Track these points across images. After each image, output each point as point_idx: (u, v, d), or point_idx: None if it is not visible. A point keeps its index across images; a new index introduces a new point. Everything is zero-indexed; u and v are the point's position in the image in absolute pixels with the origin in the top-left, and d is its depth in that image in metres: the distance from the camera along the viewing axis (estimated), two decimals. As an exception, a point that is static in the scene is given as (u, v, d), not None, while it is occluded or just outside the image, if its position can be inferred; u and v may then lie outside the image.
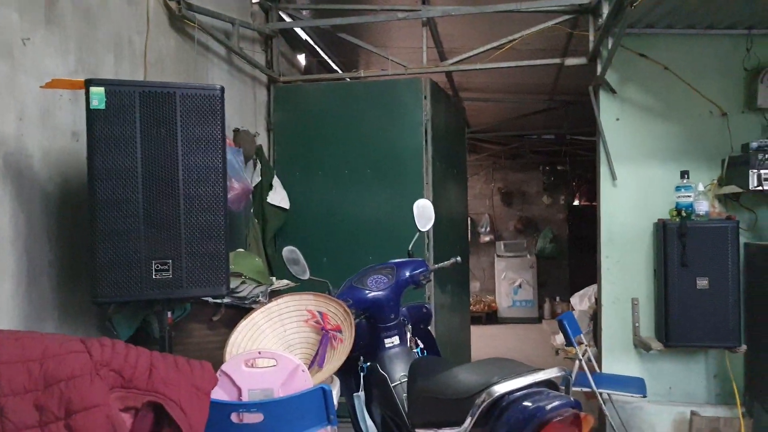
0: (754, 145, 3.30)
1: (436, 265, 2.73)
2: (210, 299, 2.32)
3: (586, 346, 3.77)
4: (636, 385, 3.40)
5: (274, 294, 2.58)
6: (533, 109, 6.51)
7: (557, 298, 8.37)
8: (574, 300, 6.38)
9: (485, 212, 9.20)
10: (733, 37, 3.75)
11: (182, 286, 2.04)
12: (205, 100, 2.14)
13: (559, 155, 8.72)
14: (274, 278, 2.85)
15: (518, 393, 1.64)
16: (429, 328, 2.75)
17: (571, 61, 3.96)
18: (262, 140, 3.98)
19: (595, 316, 4.60)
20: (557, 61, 3.98)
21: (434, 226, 3.73)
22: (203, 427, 1.53)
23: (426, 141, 3.86)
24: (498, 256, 8.68)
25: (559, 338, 5.57)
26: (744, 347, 3.55)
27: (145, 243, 2.02)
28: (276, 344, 2.27)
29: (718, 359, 3.79)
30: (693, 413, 3.67)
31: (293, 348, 2.31)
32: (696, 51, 3.80)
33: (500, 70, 4.32)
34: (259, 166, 3.69)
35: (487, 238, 9.06)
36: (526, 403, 1.60)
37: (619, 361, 3.92)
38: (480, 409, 1.64)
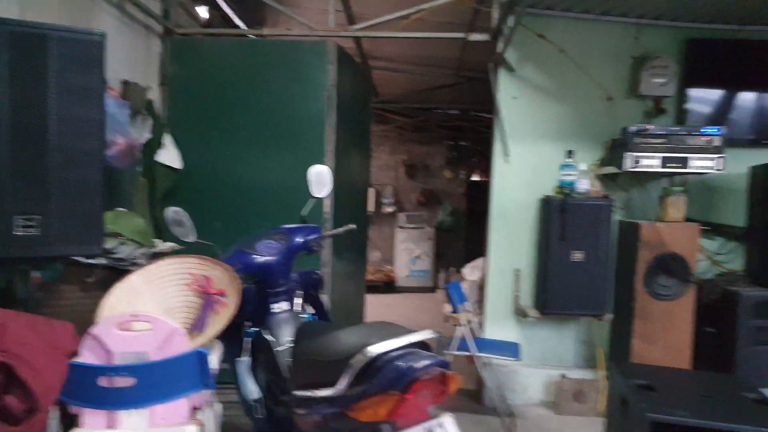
0: (632, 129, 3.56)
1: (330, 232, 2.74)
2: (83, 259, 2.20)
3: (471, 313, 3.97)
4: (511, 350, 3.64)
5: (158, 257, 2.49)
6: (440, 83, 6.61)
7: (452, 269, 8.69)
8: (466, 270, 6.64)
9: (390, 184, 9.32)
10: (623, 24, 3.99)
11: (50, 244, 1.91)
12: (83, 45, 1.99)
13: (462, 131, 8.96)
14: (159, 240, 2.75)
15: (392, 354, 1.71)
16: (321, 294, 2.78)
17: (474, 37, 4.05)
18: (154, 95, 3.77)
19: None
20: (462, 35, 4.06)
21: (334, 194, 3.77)
22: (59, 387, 1.46)
23: (330, 107, 3.83)
24: (399, 227, 8.86)
25: (450, 306, 5.80)
26: (610, 316, 3.89)
27: (10, 196, 1.87)
28: (155, 308, 2.20)
29: (587, 326, 4.13)
30: (562, 375, 3.99)
31: (174, 312, 2.25)
32: (589, 36, 4.01)
33: (409, 40, 4.34)
34: (149, 121, 3.50)
35: (390, 210, 9.20)
36: (398, 363, 1.67)
37: (500, 327, 4.16)
38: (355, 369, 1.69)
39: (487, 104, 4.20)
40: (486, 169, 8.73)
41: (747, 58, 3.97)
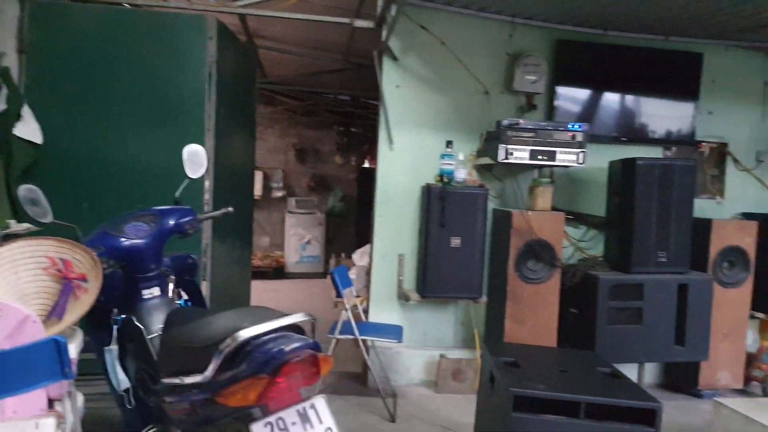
0: (505, 122, 3.76)
1: (205, 214, 2.65)
2: None
3: (356, 297, 4.03)
4: (394, 333, 3.73)
5: (11, 238, 2.27)
6: (329, 68, 6.57)
7: (343, 255, 8.75)
8: (356, 256, 6.73)
9: (279, 167, 9.16)
10: (499, 22, 4.19)
11: None
12: None
13: (353, 117, 8.99)
14: (12, 221, 2.51)
15: (263, 337, 1.69)
16: (198, 279, 2.68)
17: (360, 23, 4.07)
18: (11, 62, 3.42)
19: (369, 271, 4.91)
20: (347, 20, 4.05)
21: (215, 175, 3.64)
22: None
23: (210, 85, 3.67)
24: (289, 212, 8.75)
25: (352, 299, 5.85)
26: (484, 298, 4.11)
27: None
28: (6, 294, 2.01)
29: (465, 309, 4.33)
30: (442, 356, 4.16)
31: (28, 298, 2.07)
32: (469, 30, 4.17)
33: (297, 22, 4.26)
34: (5, 91, 3.17)
35: (279, 194, 9.06)
36: (268, 346, 1.66)
37: (384, 311, 4.26)
38: (223, 354, 1.65)
39: (375, 91, 4.24)
40: (375, 155, 8.85)
41: (611, 62, 4.33)
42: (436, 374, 4.15)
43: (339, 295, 3.59)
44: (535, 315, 3.95)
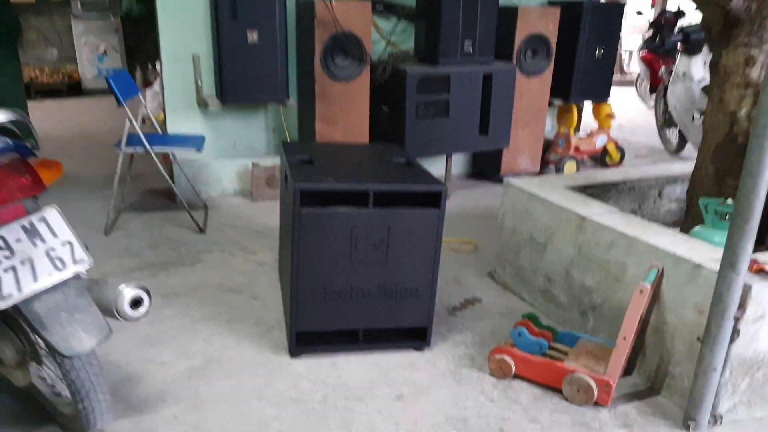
0: None
1: None
2: None
3: (144, 105, 3.55)
4: (194, 143, 3.39)
5: None
6: None
7: (150, 66, 7.76)
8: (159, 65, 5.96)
9: (53, -40, 7.49)
10: None
11: None
12: None
13: None
14: None
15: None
16: None
17: None
18: None
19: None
20: None
21: None
22: None
23: None
24: (75, 17, 7.37)
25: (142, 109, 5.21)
26: (293, 101, 3.85)
27: None
28: None
29: (274, 113, 4.06)
30: (254, 164, 3.95)
31: None
32: None
33: None
34: None
35: (58, -6, 7.53)
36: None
37: (184, 120, 3.85)
38: None
39: None
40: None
41: None
42: (250, 183, 3.98)
43: (120, 103, 3.10)
44: (347, 115, 3.81)
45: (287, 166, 2.26)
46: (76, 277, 1.49)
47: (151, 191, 4.08)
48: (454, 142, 4.03)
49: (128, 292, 1.55)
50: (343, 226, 2.05)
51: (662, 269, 2.02)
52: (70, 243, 1.46)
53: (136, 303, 1.56)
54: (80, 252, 1.47)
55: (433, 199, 2.11)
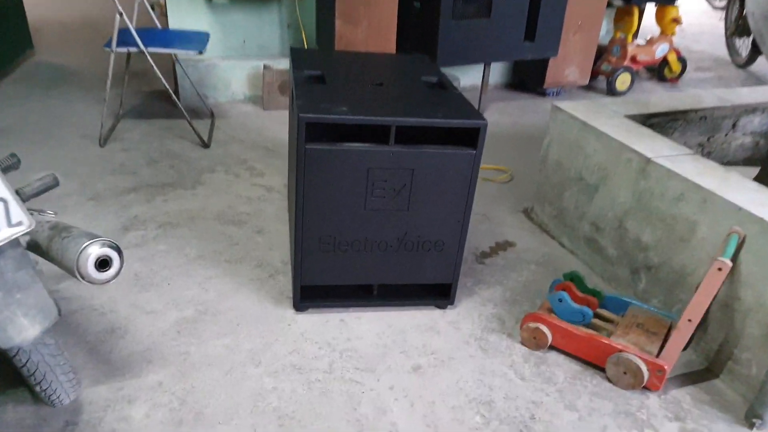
0: None
1: None
2: None
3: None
4: (196, 41, 2.96)
5: None
6: None
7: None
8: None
9: None
10: None
11: None
12: None
13: None
14: None
15: None
16: None
17: None
18: None
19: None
20: None
21: None
22: None
23: None
24: None
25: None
26: (310, -7, 3.33)
27: None
28: None
29: (290, 8, 3.56)
30: (265, 67, 3.52)
31: None
32: None
33: None
34: None
35: None
36: None
37: (188, 13, 3.39)
38: None
39: None
40: None
41: None
42: (261, 88, 3.57)
43: (107, -6, 2.66)
44: (371, 12, 3.29)
45: (293, 83, 1.88)
46: (15, 243, 1.18)
47: (155, 93, 3.71)
48: (495, 49, 3.51)
49: (93, 251, 1.25)
50: (358, 167, 1.69)
51: (744, 237, 1.65)
52: (3, 200, 1.14)
53: (103, 263, 1.27)
54: (17, 211, 1.16)
55: (470, 136, 1.72)
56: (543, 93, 4.12)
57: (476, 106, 3.60)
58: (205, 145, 3.04)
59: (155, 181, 2.67)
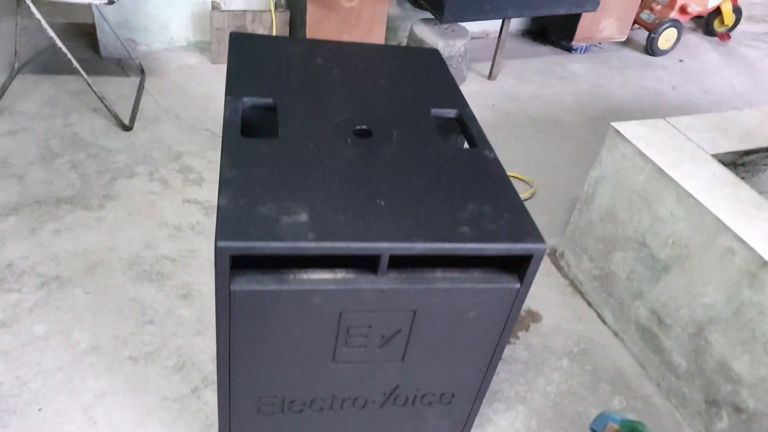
0: None
1: None
2: None
3: None
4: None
5: None
6: None
7: None
8: None
9: None
10: None
11: None
12: None
13: None
14: None
15: None
16: None
17: None
18: None
19: None
20: None
21: None
22: None
23: None
24: None
25: None
26: None
27: None
28: None
29: (246, -73, 2.62)
30: (214, 5, 2.64)
31: None
32: None
33: None
34: None
35: None
36: None
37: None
38: None
39: None
40: None
41: None
42: (209, 35, 2.71)
43: None
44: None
45: (224, 125, 1.14)
46: None
47: (73, 28, 2.81)
48: (518, 1, 2.67)
49: None
50: (323, 312, 1.00)
51: None
52: None
53: None
54: None
55: (514, 259, 1.03)
56: (570, 48, 3.31)
57: (490, 67, 2.82)
58: (126, 128, 2.25)
59: (47, 194, 1.92)
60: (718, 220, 1.39)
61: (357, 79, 1.38)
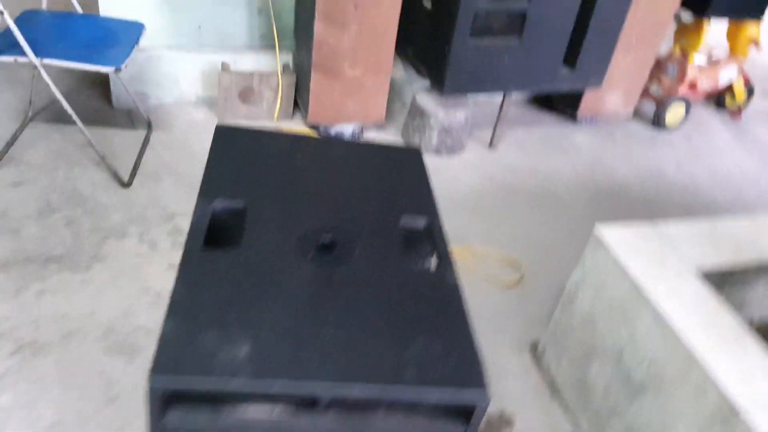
0: None
1: None
2: None
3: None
4: (114, 49, 2.15)
5: None
6: None
7: None
8: None
9: None
10: None
11: None
12: None
13: None
14: None
15: None
16: None
17: None
18: None
19: None
20: None
21: None
22: None
23: None
24: None
25: None
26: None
27: None
28: None
29: (256, -7, 2.70)
30: (223, 66, 2.71)
31: None
32: None
33: None
34: None
35: None
36: None
37: (119, -8, 2.53)
38: None
39: None
40: None
41: None
42: (217, 91, 2.77)
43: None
44: (364, 14, 2.46)
45: (189, 233, 1.15)
46: None
47: (90, 77, 2.89)
48: (522, 77, 2.69)
49: None
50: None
51: None
52: None
53: None
54: None
55: (459, 407, 1.01)
56: (575, 117, 3.31)
57: (490, 137, 2.82)
58: (124, 185, 2.30)
59: (38, 252, 1.96)
60: (691, 353, 1.36)
61: (332, 180, 1.40)
